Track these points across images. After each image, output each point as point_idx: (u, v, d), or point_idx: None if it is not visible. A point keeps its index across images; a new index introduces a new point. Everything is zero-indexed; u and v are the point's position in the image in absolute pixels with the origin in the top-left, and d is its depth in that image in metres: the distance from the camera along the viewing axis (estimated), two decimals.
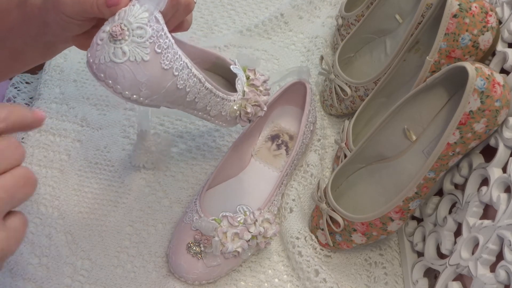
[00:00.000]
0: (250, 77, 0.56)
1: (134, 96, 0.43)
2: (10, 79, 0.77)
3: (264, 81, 0.57)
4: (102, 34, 0.42)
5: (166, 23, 0.45)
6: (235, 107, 0.54)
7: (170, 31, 0.47)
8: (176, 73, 0.44)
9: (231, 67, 0.54)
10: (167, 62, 0.43)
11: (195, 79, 0.47)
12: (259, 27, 0.83)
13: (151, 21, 0.41)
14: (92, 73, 0.43)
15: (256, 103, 0.55)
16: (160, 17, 0.42)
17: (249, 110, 0.55)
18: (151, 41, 0.42)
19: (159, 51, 0.42)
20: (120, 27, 0.41)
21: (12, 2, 0.46)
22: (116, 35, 0.41)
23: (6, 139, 0.35)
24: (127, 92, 0.43)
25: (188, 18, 0.49)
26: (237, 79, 0.54)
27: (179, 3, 0.45)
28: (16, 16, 0.46)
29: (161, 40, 0.42)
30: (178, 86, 0.45)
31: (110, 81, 0.42)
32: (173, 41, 0.43)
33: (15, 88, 0.76)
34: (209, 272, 0.58)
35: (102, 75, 0.42)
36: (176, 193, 0.66)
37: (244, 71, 0.56)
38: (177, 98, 0.47)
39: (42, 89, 0.73)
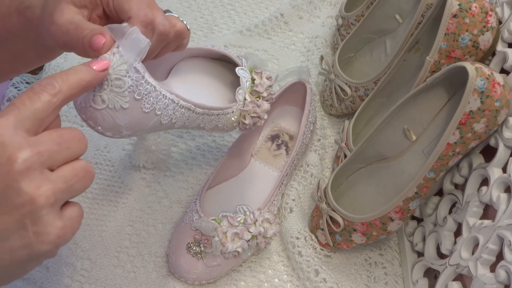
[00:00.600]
0: (255, 81, 0.55)
1: (116, 135, 0.44)
2: (11, 79, 0.77)
3: (269, 86, 0.56)
4: None
5: (158, 53, 0.45)
6: (232, 119, 0.54)
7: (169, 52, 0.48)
8: (159, 112, 0.45)
9: (237, 69, 0.54)
10: (147, 106, 0.44)
11: (183, 110, 0.48)
12: (259, 27, 0.83)
13: (130, 72, 0.41)
14: (76, 111, 0.44)
15: (256, 114, 0.55)
16: (140, 66, 0.42)
17: (247, 121, 0.54)
18: (130, 90, 0.42)
19: (139, 97, 0.43)
20: None
21: (12, 7, 0.46)
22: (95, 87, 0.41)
23: (70, 130, 0.37)
24: (108, 133, 0.44)
25: (184, 42, 0.48)
26: (238, 88, 0.54)
27: (168, 37, 0.44)
28: (16, 21, 0.46)
29: (140, 88, 0.42)
30: (162, 121, 0.46)
31: (91, 122, 0.43)
32: (155, 84, 0.43)
33: (15, 88, 0.76)
34: (209, 272, 0.58)
35: (84, 116, 0.43)
36: (176, 193, 0.66)
37: (251, 72, 0.55)
38: (164, 128, 0.48)
39: None
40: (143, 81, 0.42)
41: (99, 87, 0.41)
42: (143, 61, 0.43)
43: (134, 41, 0.41)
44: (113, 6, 0.43)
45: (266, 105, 0.55)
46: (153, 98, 0.44)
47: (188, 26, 0.47)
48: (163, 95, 0.45)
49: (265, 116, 0.56)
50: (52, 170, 0.35)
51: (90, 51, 0.41)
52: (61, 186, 0.35)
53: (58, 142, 0.35)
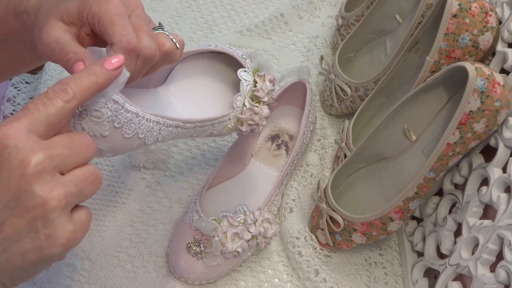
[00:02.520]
0: (257, 85, 0.53)
1: (99, 156, 0.44)
2: (10, 79, 0.77)
3: (271, 90, 0.54)
4: None
5: (146, 72, 0.45)
6: (229, 126, 0.53)
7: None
8: (142, 136, 0.45)
9: (239, 72, 0.53)
10: (129, 132, 0.43)
11: (170, 128, 0.47)
12: (259, 27, 0.83)
13: (108, 104, 0.41)
14: None
15: (252, 122, 0.53)
16: (119, 97, 0.42)
17: (243, 128, 0.53)
18: (109, 120, 0.42)
19: (119, 126, 0.43)
20: (78, 109, 0.41)
21: (8, 11, 0.46)
22: (74, 115, 0.41)
23: (80, 136, 0.38)
24: None
25: (175, 58, 0.47)
26: (236, 95, 0.52)
27: (154, 60, 0.43)
28: (13, 24, 0.46)
29: (120, 117, 0.42)
30: (146, 142, 0.46)
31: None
32: (136, 111, 0.43)
33: (15, 88, 0.76)
34: (209, 272, 0.58)
35: None
36: (176, 193, 0.66)
37: (254, 74, 0.54)
38: (151, 145, 0.48)
39: (42, 89, 0.73)
40: (122, 111, 0.42)
41: (78, 116, 0.41)
42: (129, 83, 0.43)
43: None
44: (98, 28, 0.42)
45: (265, 111, 0.53)
46: (134, 124, 0.44)
47: (177, 45, 0.46)
48: (146, 119, 0.44)
49: (264, 123, 0.54)
50: (62, 174, 0.36)
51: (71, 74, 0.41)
52: (72, 190, 0.36)
53: (69, 147, 0.36)
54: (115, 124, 0.42)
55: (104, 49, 0.41)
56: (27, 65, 0.53)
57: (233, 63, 0.55)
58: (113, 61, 0.40)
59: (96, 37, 0.44)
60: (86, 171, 0.37)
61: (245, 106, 0.53)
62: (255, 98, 0.53)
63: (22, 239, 0.34)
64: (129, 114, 0.43)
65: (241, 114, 0.53)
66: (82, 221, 0.37)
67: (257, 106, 0.53)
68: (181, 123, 0.48)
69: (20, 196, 0.34)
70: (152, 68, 0.45)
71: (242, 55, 0.54)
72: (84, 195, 0.37)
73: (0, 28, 0.47)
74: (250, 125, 0.53)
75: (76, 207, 0.37)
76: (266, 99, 0.53)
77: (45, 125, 0.36)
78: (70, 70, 0.41)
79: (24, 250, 0.35)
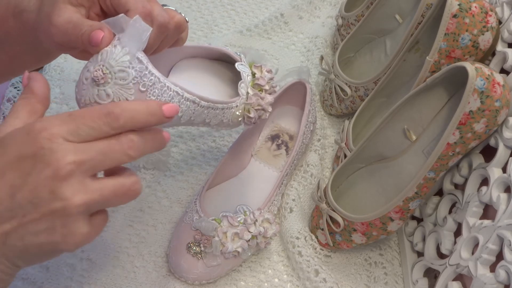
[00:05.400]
0: (255, 75, 0.54)
1: None
2: (9, 79, 0.77)
3: (270, 79, 0.55)
4: (87, 73, 0.41)
5: (158, 46, 0.45)
6: (237, 113, 0.53)
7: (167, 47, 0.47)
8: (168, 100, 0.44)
9: (236, 64, 0.53)
10: (153, 98, 0.43)
11: (188, 103, 0.47)
12: (259, 27, 0.83)
13: (133, 63, 0.41)
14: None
15: (260, 107, 0.54)
16: (143, 56, 0.42)
17: (252, 115, 0.53)
18: (134, 82, 0.41)
19: (144, 89, 0.42)
20: (102, 71, 0.40)
21: (8, 11, 0.46)
22: (98, 79, 0.40)
23: (119, 140, 0.38)
24: None
25: (183, 36, 0.48)
26: (240, 82, 0.53)
27: (168, 28, 0.44)
28: (13, 24, 0.46)
29: (145, 79, 0.42)
30: None
31: None
32: (159, 75, 0.43)
33: (15, 88, 0.76)
34: (209, 272, 0.58)
35: None
36: (176, 193, 0.66)
37: (250, 67, 0.55)
38: (171, 124, 0.47)
39: None
40: (147, 72, 0.42)
41: (103, 81, 0.40)
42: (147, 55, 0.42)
43: (136, 30, 0.41)
44: (110, 2, 0.43)
45: (269, 98, 0.54)
46: (157, 90, 0.43)
47: (186, 19, 0.47)
48: (168, 86, 0.44)
49: (270, 109, 0.55)
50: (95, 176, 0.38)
51: (90, 47, 0.41)
52: (95, 198, 0.37)
53: (103, 152, 0.37)
54: (140, 87, 0.42)
55: (120, 16, 0.41)
56: (25, 67, 0.53)
57: (227, 63, 0.56)
58: (170, 109, 0.41)
59: (106, 16, 0.44)
60: (119, 183, 0.38)
61: (249, 93, 0.53)
62: (257, 87, 0.53)
63: (39, 234, 0.37)
64: (152, 77, 0.42)
65: (247, 100, 0.53)
66: (98, 225, 0.39)
67: (260, 93, 0.54)
68: (197, 99, 0.47)
69: (45, 195, 0.36)
70: (163, 42, 0.45)
71: (236, 52, 0.55)
72: (109, 204, 0.39)
73: None
74: (257, 110, 0.54)
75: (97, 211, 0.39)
76: (267, 87, 0.54)
77: (82, 138, 0.37)
78: (87, 41, 0.41)
79: (40, 242, 0.37)
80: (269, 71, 0.54)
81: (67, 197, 0.36)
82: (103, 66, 0.41)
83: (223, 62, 0.57)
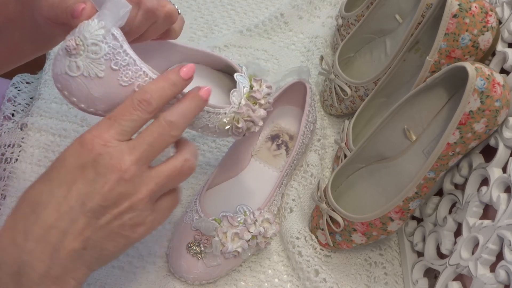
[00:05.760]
0: (253, 88, 0.53)
1: (91, 109, 0.43)
2: (10, 78, 0.77)
3: (268, 94, 0.53)
4: (63, 44, 0.42)
5: (145, 33, 0.44)
6: (224, 120, 0.51)
7: (156, 39, 0.47)
8: (138, 89, 0.43)
9: (235, 75, 0.52)
10: (125, 79, 0.42)
11: None
12: (259, 27, 0.83)
13: (107, 38, 0.41)
14: (53, 81, 0.43)
15: (249, 118, 0.52)
16: (119, 34, 0.41)
17: (240, 125, 0.51)
18: (106, 58, 0.41)
19: (116, 68, 0.42)
20: (75, 42, 0.41)
21: None
22: (70, 49, 0.41)
23: (158, 125, 0.41)
24: (82, 105, 0.43)
25: (175, 28, 0.48)
26: (232, 90, 0.51)
27: (156, 15, 0.44)
28: (13, 8, 0.47)
29: (118, 57, 0.41)
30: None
31: (66, 92, 0.42)
32: (135, 57, 0.42)
33: (16, 88, 0.76)
34: (209, 272, 0.58)
35: (59, 85, 0.42)
36: None
37: (250, 80, 0.53)
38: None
39: (42, 89, 0.73)
40: (121, 50, 0.41)
41: (74, 52, 0.41)
42: (134, 42, 0.42)
43: (115, 5, 0.40)
44: None
45: (262, 112, 0.52)
46: (131, 72, 0.42)
47: (179, 11, 0.47)
48: (144, 71, 0.43)
49: (260, 123, 0.53)
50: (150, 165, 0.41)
51: (72, 19, 0.42)
52: (154, 188, 0.41)
53: (151, 143, 0.41)
54: (112, 64, 0.41)
55: None
56: (24, 57, 0.53)
57: (229, 72, 0.55)
58: (185, 69, 0.43)
59: None
60: (172, 166, 0.42)
61: (241, 103, 0.52)
62: (252, 100, 0.52)
63: (113, 234, 0.40)
64: (127, 58, 0.42)
65: (238, 110, 0.51)
66: (163, 209, 0.43)
67: (254, 105, 0.52)
68: (179, 94, 0.45)
69: (114, 197, 0.39)
70: (152, 29, 0.45)
71: (239, 64, 0.54)
72: (167, 188, 0.42)
73: (0, 14, 0.47)
74: (246, 121, 0.52)
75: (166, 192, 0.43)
76: (262, 101, 0.52)
77: (130, 133, 0.41)
78: (72, 15, 0.42)
79: (115, 242, 0.41)
80: (269, 87, 0.53)
81: (132, 194, 0.39)
82: (77, 37, 0.41)
83: (226, 73, 0.56)
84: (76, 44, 0.40)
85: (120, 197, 0.39)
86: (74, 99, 0.43)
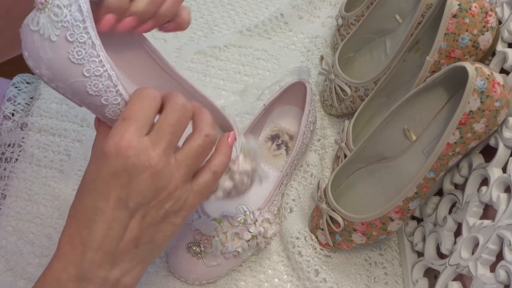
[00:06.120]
0: (237, 158, 0.47)
1: (37, 71, 0.42)
2: (11, 78, 0.77)
3: (244, 172, 0.47)
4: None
5: (153, 20, 0.44)
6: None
7: (166, 30, 0.46)
8: (87, 75, 0.42)
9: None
10: (76, 57, 0.41)
11: (118, 97, 0.43)
12: (259, 27, 0.83)
13: (72, 6, 0.40)
14: None
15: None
16: (85, 8, 0.40)
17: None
18: (64, 25, 0.40)
19: (71, 40, 0.41)
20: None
21: None
22: (37, 3, 0.41)
23: (172, 111, 0.41)
24: (30, 63, 0.42)
25: (183, 16, 0.47)
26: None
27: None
28: None
29: (76, 31, 0.40)
30: (88, 90, 0.43)
31: (23, 44, 0.42)
32: (97, 42, 0.41)
33: (16, 87, 0.76)
34: (209, 272, 0.58)
35: (20, 36, 0.42)
36: None
37: (240, 149, 0.47)
38: (91, 104, 0.44)
39: (42, 89, 0.73)
40: (81, 25, 0.40)
41: (41, 6, 0.41)
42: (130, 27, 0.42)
43: None
44: None
45: (227, 183, 0.47)
46: (85, 52, 0.41)
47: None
48: (100, 61, 0.42)
49: (219, 194, 0.47)
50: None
51: None
52: (185, 170, 0.42)
53: (171, 131, 0.41)
54: (67, 35, 0.40)
55: None
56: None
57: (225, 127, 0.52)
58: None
59: None
60: (195, 145, 0.42)
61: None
62: (227, 169, 0.47)
63: (161, 226, 0.42)
64: (85, 36, 0.41)
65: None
66: (201, 185, 0.43)
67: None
68: (125, 95, 0.43)
69: (151, 192, 0.40)
70: (158, 17, 0.45)
71: (234, 122, 0.50)
72: (197, 166, 0.43)
73: None
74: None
75: (200, 169, 0.44)
76: (236, 176, 0.47)
77: (148, 126, 0.41)
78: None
79: (164, 232, 0.43)
80: (252, 169, 0.48)
81: (168, 184, 0.41)
82: None
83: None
84: (45, 1, 0.40)
85: (157, 190, 0.40)
86: (26, 54, 0.42)
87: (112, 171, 0.40)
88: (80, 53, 0.41)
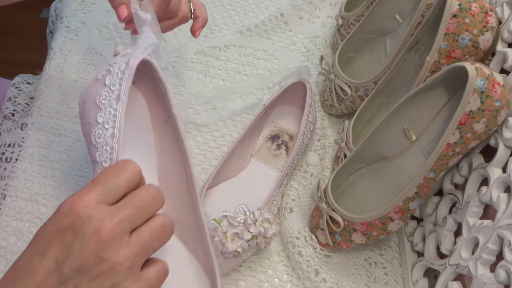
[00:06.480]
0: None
1: (79, 101, 0.46)
2: (11, 79, 0.77)
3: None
4: None
5: (163, 23, 0.48)
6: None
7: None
8: (99, 121, 0.43)
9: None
10: (101, 100, 0.43)
11: (108, 161, 0.44)
12: (259, 27, 0.83)
13: (124, 57, 0.43)
14: None
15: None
16: (132, 64, 0.43)
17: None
18: (109, 69, 0.43)
19: (107, 83, 0.43)
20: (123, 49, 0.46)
21: None
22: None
23: (146, 189, 0.39)
24: (81, 93, 0.46)
25: (201, 16, 0.55)
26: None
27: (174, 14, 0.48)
28: None
29: (113, 78, 0.43)
30: (91, 136, 0.44)
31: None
32: (123, 98, 0.43)
33: (16, 88, 0.76)
34: None
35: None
36: None
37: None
38: (91, 156, 0.45)
39: (42, 89, 0.73)
40: (119, 75, 0.43)
41: (114, 56, 0.45)
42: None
43: (143, 38, 0.44)
44: None
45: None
46: (108, 100, 0.43)
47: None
48: (114, 115, 0.43)
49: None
50: (132, 232, 0.38)
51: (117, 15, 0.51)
52: (136, 250, 0.37)
53: (136, 206, 0.38)
54: (107, 78, 0.44)
55: (144, 16, 0.44)
56: None
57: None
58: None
59: None
60: (152, 225, 0.39)
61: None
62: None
63: None
64: (117, 86, 0.43)
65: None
66: (151, 279, 0.39)
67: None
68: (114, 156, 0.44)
69: (92, 261, 0.36)
70: (169, 23, 0.51)
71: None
72: (152, 250, 0.39)
73: None
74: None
75: (149, 262, 0.39)
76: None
77: (114, 194, 0.38)
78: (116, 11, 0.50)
79: None
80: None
81: (112, 257, 0.36)
82: (123, 49, 0.45)
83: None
84: (119, 51, 0.45)
85: (100, 260, 0.37)
86: (82, 96, 0.45)
87: (59, 228, 0.37)
88: (105, 97, 0.43)
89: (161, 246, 0.39)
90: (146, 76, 0.47)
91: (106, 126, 0.43)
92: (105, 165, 0.43)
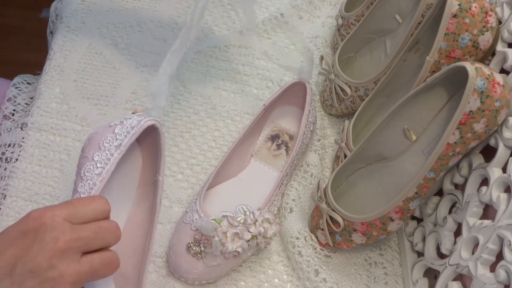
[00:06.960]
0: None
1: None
2: (12, 79, 0.77)
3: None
4: None
5: None
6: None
7: None
8: (95, 159, 0.47)
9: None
10: (104, 143, 0.47)
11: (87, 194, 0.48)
12: (259, 27, 0.83)
13: (133, 120, 0.48)
14: None
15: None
16: (142, 124, 0.47)
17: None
18: (121, 121, 0.48)
19: (115, 131, 0.48)
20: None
21: None
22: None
23: (108, 223, 0.43)
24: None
25: None
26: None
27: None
28: None
29: (123, 130, 0.48)
30: (82, 170, 0.48)
31: None
32: (123, 149, 0.47)
33: (16, 88, 0.76)
34: (209, 272, 0.58)
35: None
36: (176, 193, 0.66)
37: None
38: (75, 185, 0.49)
39: (42, 89, 0.73)
40: (129, 130, 0.47)
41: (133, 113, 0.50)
42: None
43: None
44: None
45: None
46: (110, 144, 0.47)
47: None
48: (109, 159, 0.47)
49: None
50: (85, 253, 0.42)
51: None
52: (86, 269, 0.41)
53: (95, 232, 0.42)
54: (118, 127, 0.47)
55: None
56: None
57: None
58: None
59: None
60: (104, 256, 0.43)
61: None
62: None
63: None
64: (122, 137, 0.47)
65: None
66: None
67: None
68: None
69: (44, 265, 0.39)
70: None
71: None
72: (97, 275, 0.43)
73: None
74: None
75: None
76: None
77: (80, 219, 0.42)
78: None
79: None
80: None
81: (63, 268, 0.40)
82: (141, 110, 0.50)
83: None
84: (135, 110, 0.51)
85: (51, 267, 0.40)
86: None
87: (24, 229, 0.40)
88: (108, 142, 0.47)
89: (104, 277, 0.43)
90: (150, 138, 0.52)
91: (98, 165, 0.47)
92: (82, 195, 0.47)
